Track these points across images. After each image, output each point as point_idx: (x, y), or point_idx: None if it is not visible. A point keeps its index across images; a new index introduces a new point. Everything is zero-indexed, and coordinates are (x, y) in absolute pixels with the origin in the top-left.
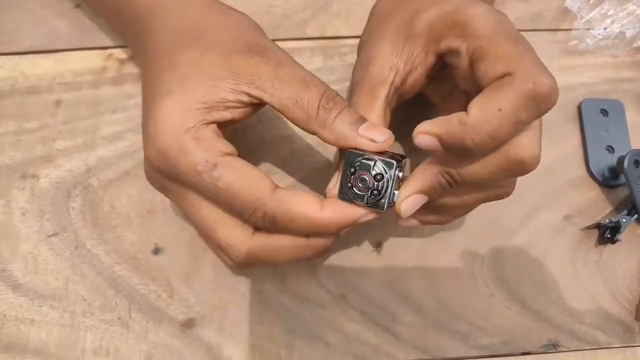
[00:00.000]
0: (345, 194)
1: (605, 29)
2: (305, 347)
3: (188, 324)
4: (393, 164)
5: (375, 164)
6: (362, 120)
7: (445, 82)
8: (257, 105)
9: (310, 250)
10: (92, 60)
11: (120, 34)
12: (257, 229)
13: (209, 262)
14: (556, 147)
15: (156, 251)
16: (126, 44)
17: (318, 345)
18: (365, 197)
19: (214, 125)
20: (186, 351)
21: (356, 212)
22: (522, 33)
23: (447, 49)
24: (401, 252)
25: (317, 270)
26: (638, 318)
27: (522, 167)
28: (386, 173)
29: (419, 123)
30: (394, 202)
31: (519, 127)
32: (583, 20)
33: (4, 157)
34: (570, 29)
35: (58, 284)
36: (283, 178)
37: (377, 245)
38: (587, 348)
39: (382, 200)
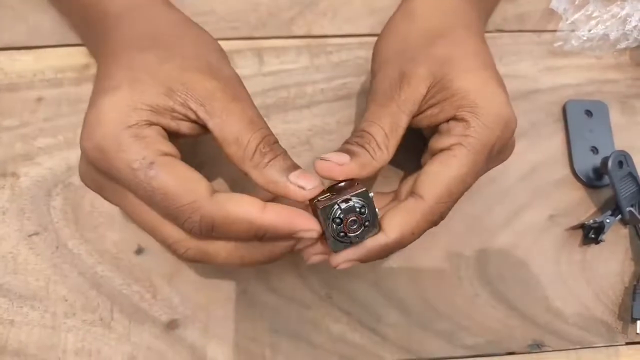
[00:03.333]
0: (341, 244)
1: (589, 30)
2: (290, 347)
3: (171, 325)
4: (364, 190)
5: (353, 201)
6: (294, 168)
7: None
8: (205, 127)
9: (259, 253)
10: (74, 57)
11: (81, 32)
12: None
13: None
14: (541, 147)
15: (139, 251)
16: (85, 42)
17: (303, 345)
18: (361, 233)
19: (159, 127)
20: (169, 352)
21: (298, 217)
22: (507, 34)
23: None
24: None
25: (302, 270)
26: (621, 317)
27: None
28: (365, 200)
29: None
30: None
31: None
32: (568, 22)
33: None
34: (556, 30)
35: (39, 284)
36: None
37: None
38: (571, 348)
39: (374, 225)
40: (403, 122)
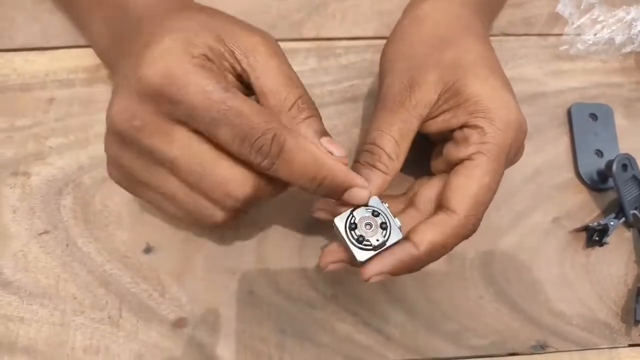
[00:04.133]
0: (364, 251)
1: (595, 34)
2: (295, 347)
3: (179, 324)
4: (375, 199)
5: (363, 207)
6: (326, 133)
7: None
8: (244, 85)
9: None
10: (85, 58)
11: (98, 25)
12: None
13: (201, 262)
14: (546, 150)
15: (147, 250)
16: (100, 38)
17: (309, 345)
18: (379, 238)
19: (216, 67)
20: (177, 350)
21: (356, 174)
22: (514, 38)
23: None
24: None
25: (308, 271)
26: (624, 320)
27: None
28: (375, 205)
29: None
30: (399, 225)
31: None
32: (574, 26)
33: None
34: (561, 34)
35: (48, 282)
36: None
37: None
38: (575, 349)
39: (395, 230)
40: (414, 127)
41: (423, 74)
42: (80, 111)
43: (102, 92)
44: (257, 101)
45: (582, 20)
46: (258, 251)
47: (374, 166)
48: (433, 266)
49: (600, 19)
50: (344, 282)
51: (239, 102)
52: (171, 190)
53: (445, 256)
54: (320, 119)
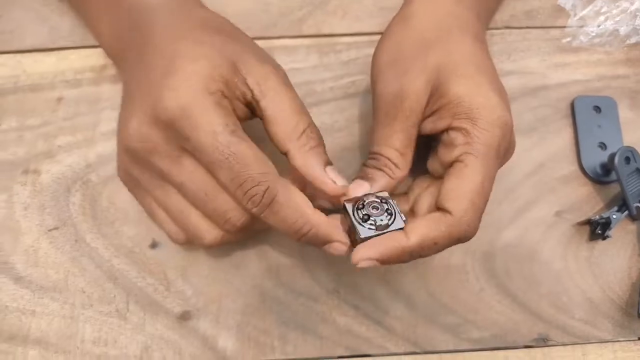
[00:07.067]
0: (366, 229)
1: (598, 26)
2: (298, 339)
3: (184, 316)
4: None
5: (372, 196)
6: (330, 163)
7: None
8: (250, 109)
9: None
10: (92, 58)
11: (109, 25)
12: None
13: (205, 257)
14: (549, 143)
15: (153, 245)
16: (116, 51)
17: (311, 337)
18: (383, 219)
19: (230, 102)
20: (182, 342)
21: (338, 229)
22: (516, 30)
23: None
24: None
25: (310, 265)
26: (627, 313)
27: (464, 238)
28: (383, 196)
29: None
30: (404, 218)
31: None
32: (577, 18)
33: (7, 153)
34: (564, 27)
35: (58, 277)
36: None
37: None
38: (577, 342)
39: (400, 216)
40: (413, 135)
41: (412, 81)
42: (88, 110)
43: (109, 91)
44: (265, 127)
45: (584, 11)
46: (261, 246)
47: (380, 170)
48: (434, 259)
49: (603, 10)
50: (345, 276)
51: (242, 149)
52: (175, 205)
53: (446, 249)
54: (324, 147)
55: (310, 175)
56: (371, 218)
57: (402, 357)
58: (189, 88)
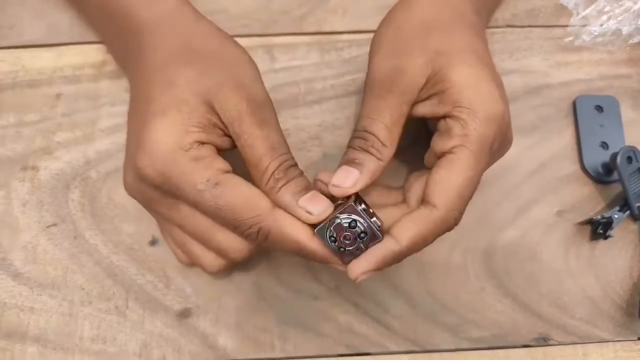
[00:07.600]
0: (347, 257)
1: (601, 25)
2: (298, 337)
3: (184, 314)
4: (350, 205)
5: (341, 219)
6: (306, 191)
7: None
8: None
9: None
10: (91, 54)
11: (112, 48)
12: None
13: None
14: (550, 142)
15: (153, 242)
16: (116, 58)
17: (311, 335)
18: (360, 243)
19: (211, 145)
20: (181, 340)
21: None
22: (518, 29)
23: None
24: None
25: (311, 263)
26: (629, 313)
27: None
28: (354, 214)
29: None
30: (379, 224)
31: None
32: (579, 17)
33: (5, 149)
34: (567, 26)
35: (57, 274)
36: None
37: None
38: (578, 342)
39: (375, 235)
40: (404, 112)
41: (410, 59)
42: (87, 106)
43: (108, 87)
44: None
45: (587, 11)
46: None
47: (367, 151)
48: (435, 258)
49: (606, 9)
50: (346, 274)
51: (229, 199)
52: (180, 237)
53: (447, 248)
54: (300, 175)
55: (286, 210)
56: (347, 249)
57: (402, 355)
58: (161, 152)
